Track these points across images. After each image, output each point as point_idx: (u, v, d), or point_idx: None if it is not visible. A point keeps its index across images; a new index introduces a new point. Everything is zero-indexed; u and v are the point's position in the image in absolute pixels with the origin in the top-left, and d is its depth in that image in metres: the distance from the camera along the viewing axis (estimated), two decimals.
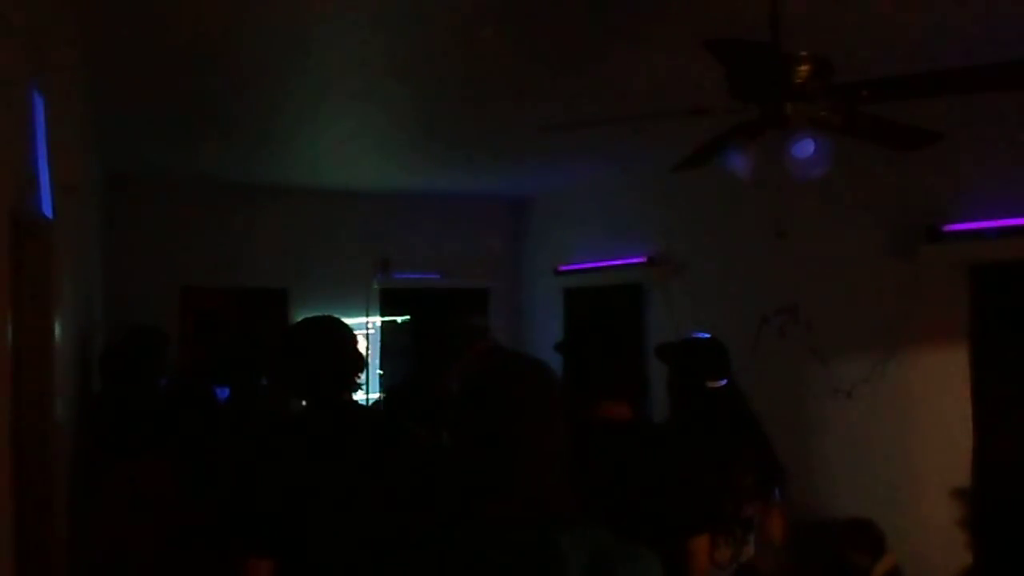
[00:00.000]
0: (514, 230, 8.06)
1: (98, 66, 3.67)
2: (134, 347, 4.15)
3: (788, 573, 3.86)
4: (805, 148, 2.56)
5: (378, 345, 7.36)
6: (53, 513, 2.48)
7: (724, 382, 3.11)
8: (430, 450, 2.81)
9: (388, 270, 7.49)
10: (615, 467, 2.19)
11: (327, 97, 4.37)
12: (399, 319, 7.35)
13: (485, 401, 1.33)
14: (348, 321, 2.53)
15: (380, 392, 6.92)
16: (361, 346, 6.78)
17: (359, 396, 6.33)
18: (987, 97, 2.98)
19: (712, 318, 4.71)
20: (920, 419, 4.44)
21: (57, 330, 2.55)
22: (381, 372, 7.26)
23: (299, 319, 2.51)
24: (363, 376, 2.34)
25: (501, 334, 7.89)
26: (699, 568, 2.19)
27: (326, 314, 2.44)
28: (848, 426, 4.79)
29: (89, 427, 3.75)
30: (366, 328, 7.20)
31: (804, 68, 2.47)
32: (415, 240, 7.60)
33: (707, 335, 3.26)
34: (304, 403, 2.27)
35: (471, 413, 1.34)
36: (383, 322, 7.38)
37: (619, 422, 2.29)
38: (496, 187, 7.37)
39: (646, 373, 2.47)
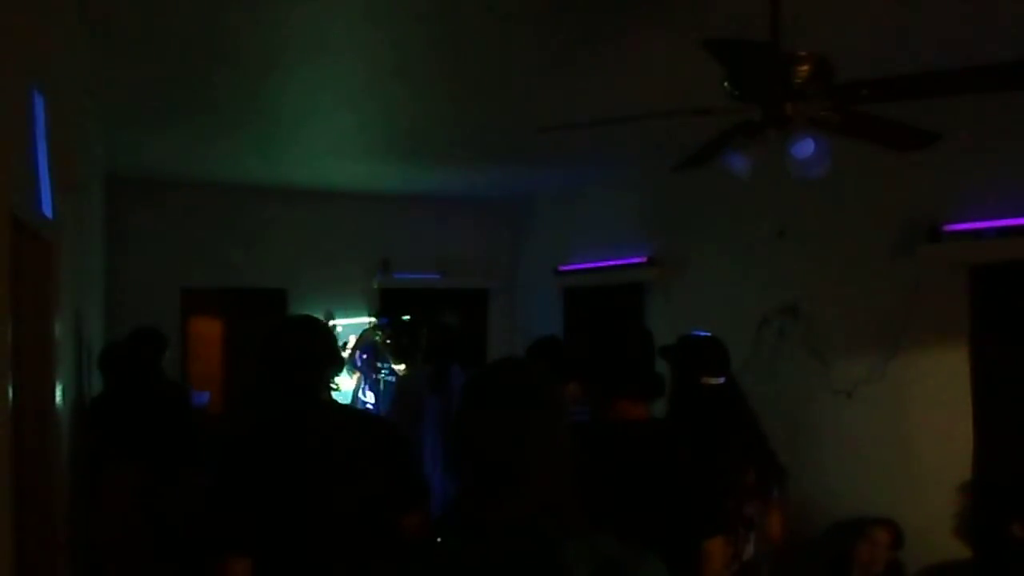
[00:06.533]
0: (514, 230, 8.06)
1: (98, 66, 3.67)
2: (136, 348, 4.16)
3: (787, 572, 3.86)
4: (805, 148, 2.57)
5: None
6: (53, 513, 2.48)
7: (722, 380, 3.11)
8: (413, 448, 2.80)
9: (388, 270, 7.49)
10: (633, 467, 2.19)
11: (327, 97, 4.37)
12: (402, 317, 7.35)
13: (487, 407, 1.32)
14: (348, 321, 2.53)
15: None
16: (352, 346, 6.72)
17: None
18: (987, 97, 2.98)
19: (712, 318, 4.70)
20: (920, 419, 4.44)
21: (57, 330, 2.55)
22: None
23: (279, 320, 2.50)
24: (341, 375, 2.32)
25: (501, 334, 7.94)
26: (714, 570, 2.19)
27: (306, 314, 2.44)
28: (848, 426, 4.78)
29: (90, 427, 3.76)
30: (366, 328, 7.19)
31: (804, 68, 2.47)
32: (415, 240, 7.60)
33: (706, 333, 3.27)
34: (286, 401, 2.24)
35: (473, 418, 1.33)
36: None
37: (636, 422, 2.29)
38: (496, 187, 7.37)
39: (660, 372, 2.46)
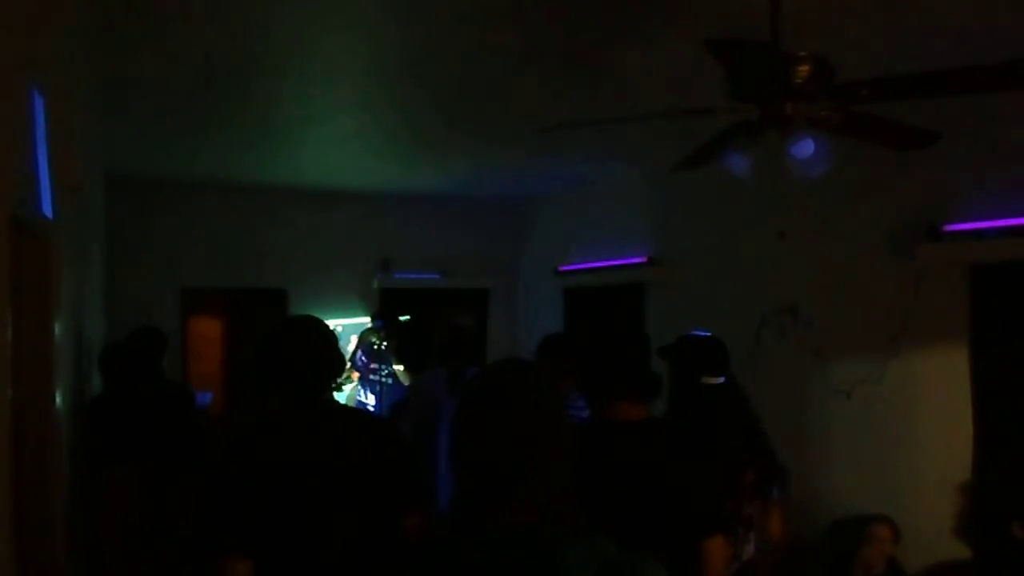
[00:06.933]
0: (514, 230, 8.06)
1: (98, 66, 3.67)
2: (136, 348, 4.15)
3: (787, 571, 3.86)
4: (805, 148, 2.57)
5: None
6: (53, 512, 2.48)
7: (722, 379, 3.12)
8: (414, 450, 2.79)
9: (388, 270, 7.49)
10: (631, 468, 2.19)
11: (327, 97, 4.37)
12: (399, 319, 7.36)
13: (487, 408, 1.31)
14: (348, 321, 2.52)
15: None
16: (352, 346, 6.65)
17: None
18: (987, 97, 2.97)
19: (712, 318, 4.70)
20: (920, 419, 4.44)
21: (57, 330, 2.55)
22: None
23: (280, 320, 2.50)
24: (343, 376, 2.30)
25: (501, 334, 7.94)
26: (714, 570, 2.19)
27: (307, 314, 2.43)
28: (848, 426, 4.78)
29: (90, 427, 3.76)
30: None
31: (804, 68, 2.47)
32: (415, 240, 7.60)
33: (705, 333, 3.27)
34: (286, 402, 2.23)
35: (472, 420, 1.32)
36: None
37: (634, 422, 2.29)
38: (496, 187, 7.37)
39: (658, 373, 2.46)
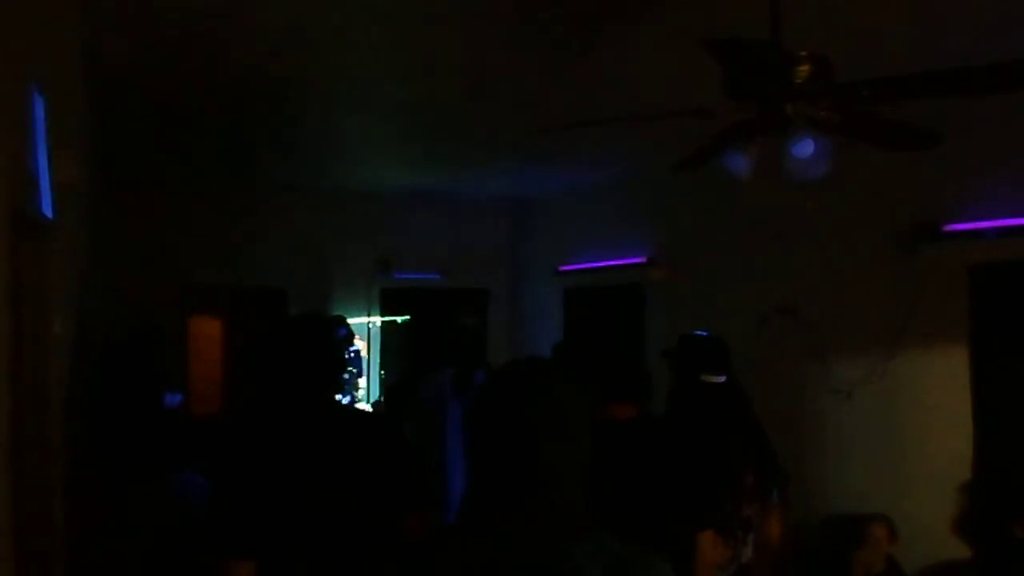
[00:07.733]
0: (514, 230, 8.06)
1: (98, 66, 3.66)
2: (136, 348, 4.15)
3: (785, 572, 3.86)
4: (805, 148, 2.56)
5: (379, 345, 7.36)
6: (52, 513, 2.48)
7: (723, 379, 3.12)
8: (414, 450, 2.80)
9: (388, 270, 7.49)
10: (624, 466, 2.20)
11: (327, 97, 4.37)
12: (399, 319, 7.35)
13: (503, 407, 1.31)
14: (348, 321, 2.51)
15: (380, 391, 6.87)
16: (360, 345, 6.48)
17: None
18: (987, 97, 2.97)
19: (712, 318, 4.70)
20: (920, 419, 4.44)
21: (56, 330, 2.55)
22: (383, 372, 7.25)
23: (285, 318, 2.49)
24: (347, 376, 2.31)
25: (501, 334, 7.93)
26: (705, 562, 2.21)
27: (307, 314, 2.43)
28: (848, 426, 4.78)
29: (90, 427, 3.75)
30: (367, 328, 7.20)
31: (804, 68, 2.47)
32: (415, 240, 7.60)
33: (706, 332, 3.28)
34: (287, 403, 2.23)
35: (488, 420, 1.32)
36: (383, 322, 7.38)
37: (626, 422, 2.30)
38: (496, 187, 7.37)
39: (650, 373, 2.48)
